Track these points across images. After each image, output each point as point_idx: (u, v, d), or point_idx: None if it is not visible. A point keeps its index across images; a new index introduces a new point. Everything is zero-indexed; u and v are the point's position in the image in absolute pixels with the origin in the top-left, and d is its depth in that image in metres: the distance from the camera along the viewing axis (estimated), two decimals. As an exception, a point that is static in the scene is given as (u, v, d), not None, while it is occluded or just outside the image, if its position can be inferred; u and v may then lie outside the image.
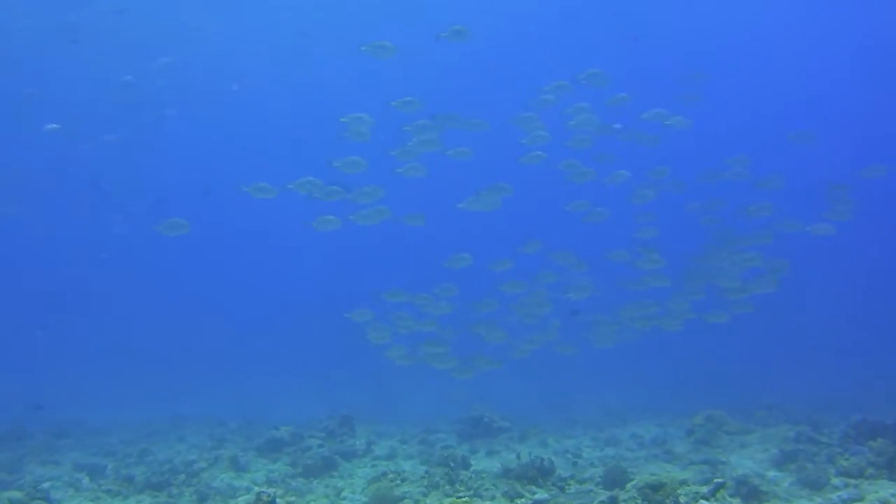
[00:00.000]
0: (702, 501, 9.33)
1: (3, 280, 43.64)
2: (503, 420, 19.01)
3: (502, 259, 14.91)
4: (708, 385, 26.52)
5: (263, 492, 9.86)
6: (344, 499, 12.62)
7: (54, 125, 29.83)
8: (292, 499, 12.93)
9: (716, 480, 9.83)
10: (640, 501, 9.80)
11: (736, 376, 28.50)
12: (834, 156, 29.89)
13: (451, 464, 13.64)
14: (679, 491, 9.50)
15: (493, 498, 11.73)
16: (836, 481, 11.87)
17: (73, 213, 41.91)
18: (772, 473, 13.64)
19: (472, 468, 14.38)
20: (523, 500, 10.73)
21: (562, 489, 12.37)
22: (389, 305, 14.92)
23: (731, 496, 11.42)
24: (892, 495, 10.64)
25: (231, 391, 29.40)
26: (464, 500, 8.57)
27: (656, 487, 9.80)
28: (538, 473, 12.56)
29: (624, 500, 9.95)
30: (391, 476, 13.39)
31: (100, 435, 20.98)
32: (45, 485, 14.43)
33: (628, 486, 10.48)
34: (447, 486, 12.73)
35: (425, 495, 12.22)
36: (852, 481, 11.82)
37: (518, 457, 13.32)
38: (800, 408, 20.71)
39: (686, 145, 19.79)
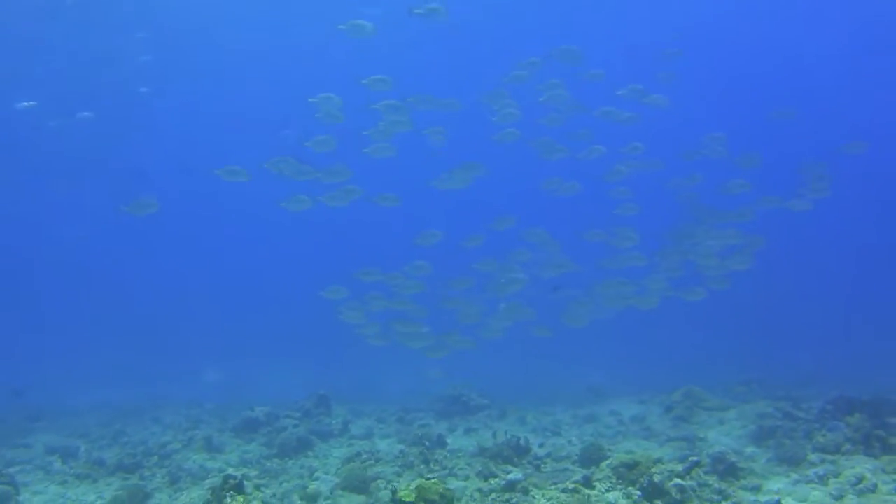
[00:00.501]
0: (676, 480, 9.12)
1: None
2: (482, 398, 18.85)
3: (475, 235, 14.57)
4: (690, 362, 26.50)
5: (230, 475, 9.57)
6: (317, 479, 12.39)
7: (29, 102, 29.34)
8: (265, 481, 12.73)
9: (691, 459, 9.64)
10: (614, 480, 9.61)
11: (718, 353, 28.43)
12: (813, 134, 29.64)
13: (426, 443, 13.44)
14: (653, 470, 9.29)
15: (466, 478, 11.55)
16: (812, 457, 11.73)
17: (50, 191, 41.20)
18: (749, 450, 13.53)
19: (449, 447, 14.23)
20: (497, 479, 10.49)
21: (537, 468, 12.19)
22: (364, 285, 14.57)
23: (707, 473, 11.24)
24: (868, 471, 10.51)
25: (212, 374, 29.13)
26: (433, 480, 8.33)
27: (631, 466, 9.62)
28: (514, 452, 12.36)
29: (598, 479, 9.76)
30: (365, 456, 13.20)
31: (76, 417, 20.65)
32: (13, 469, 14.21)
33: (603, 464, 10.28)
34: (422, 466, 12.55)
35: (399, 475, 12.03)
36: (829, 457, 11.69)
37: (494, 436, 13.12)
38: (779, 384, 20.52)
39: (665, 124, 19.35)
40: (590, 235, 15.08)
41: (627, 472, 9.54)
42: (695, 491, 9.20)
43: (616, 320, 16.86)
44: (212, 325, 38.75)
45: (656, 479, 9.12)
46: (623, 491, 9.30)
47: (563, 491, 9.79)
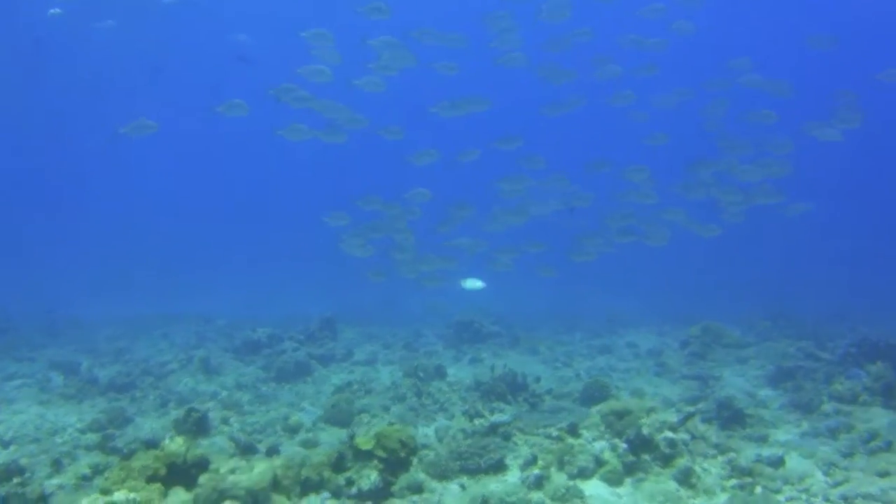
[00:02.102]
0: (666, 432, 8.32)
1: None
2: (494, 325, 18.16)
3: (470, 149, 13.61)
4: (718, 294, 25.61)
5: (193, 408, 9.02)
6: (302, 410, 11.82)
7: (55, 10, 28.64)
8: (254, 406, 12.23)
9: (686, 409, 8.84)
10: (602, 429, 8.83)
11: (747, 286, 27.41)
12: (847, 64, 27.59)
13: (421, 374, 12.78)
14: (643, 420, 8.48)
15: (452, 416, 10.88)
16: (827, 407, 10.84)
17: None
18: (764, 392, 12.71)
19: (449, 378, 13.57)
20: (482, 419, 9.79)
21: (534, 406, 11.48)
22: (365, 213, 13.80)
23: (711, 420, 10.47)
24: (884, 426, 9.60)
25: (236, 291, 29.04)
26: (395, 426, 7.63)
27: (621, 414, 8.82)
28: (509, 388, 11.63)
29: (586, 427, 9.00)
30: (356, 387, 12.58)
31: (89, 330, 20.46)
32: (13, 383, 14.00)
33: (594, 409, 9.51)
34: (413, 399, 11.93)
35: (386, 409, 11.41)
36: (845, 407, 10.78)
37: (492, 369, 12.40)
38: (807, 319, 19.52)
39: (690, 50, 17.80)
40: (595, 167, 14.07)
41: (617, 421, 8.75)
42: (686, 445, 8.39)
43: (649, 250, 15.89)
44: (231, 244, 38.62)
45: (645, 430, 8.33)
46: (610, 442, 8.52)
47: (548, 437, 9.07)
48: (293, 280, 30.73)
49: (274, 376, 14.12)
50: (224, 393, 13.30)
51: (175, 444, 6.59)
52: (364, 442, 7.35)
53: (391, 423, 8.37)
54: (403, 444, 7.40)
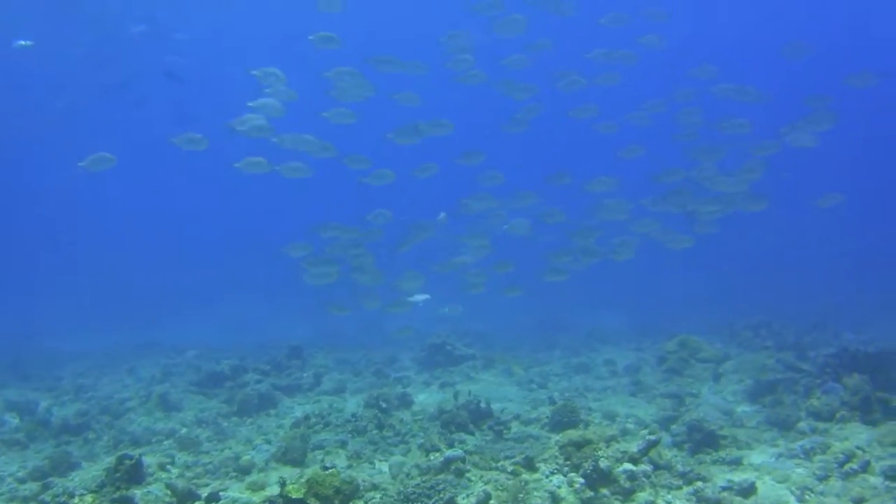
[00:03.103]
0: (626, 465, 7.73)
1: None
2: (467, 347, 17.58)
3: (428, 164, 13.06)
4: (700, 304, 25.12)
5: (126, 454, 8.40)
6: (255, 448, 11.19)
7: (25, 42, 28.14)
8: (212, 444, 11.61)
9: (648, 437, 8.22)
10: (561, 461, 8.23)
11: (729, 295, 26.91)
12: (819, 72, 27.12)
13: (383, 404, 12.16)
14: (600, 453, 7.89)
15: (408, 451, 10.25)
16: (803, 425, 10.25)
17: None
18: (742, 409, 12.14)
19: (414, 406, 12.96)
20: (437, 454, 9.20)
21: (499, 434, 10.86)
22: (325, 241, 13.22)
23: (680, 444, 9.91)
24: (862, 444, 9.01)
25: (216, 318, 28.52)
26: (330, 471, 7.03)
27: (580, 444, 8.23)
28: (470, 418, 11.02)
29: (544, 460, 8.40)
30: (313, 420, 11.94)
31: (57, 364, 19.83)
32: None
33: (552, 440, 8.92)
34: (374, 432, 11.29)
35: (343, 444, 10.78)
36: (821, 425, 10.19)
37: (455, 397, 11.81)
38: (789, 327, 18.99)
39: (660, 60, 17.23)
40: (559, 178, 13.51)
41: (575, 452, 8.16)
42: (649, 477, 7.80)
43: (631, 262, 15.42)
44: (211, 270, 38.08)
45: (602, 464, 7.73)
46: (567, 476, 7.93)
47: (504, 472, 8.47)
48: (272, 305, 30.15)
49: (236, 410, 13.50)
50: (183, 430, 12.66)
51: (82, 504, 5.98)
52: (295, 490, 6.76)
53: (326, 469, 7.71)
54: (338, 491, 6.82)
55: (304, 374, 15.58)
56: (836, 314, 21.36)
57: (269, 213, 44.91)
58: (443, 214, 13.87)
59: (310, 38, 12.35)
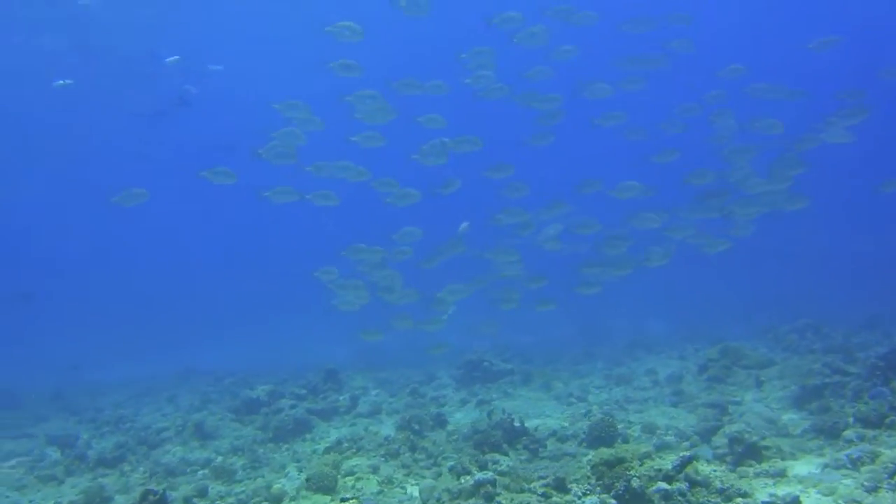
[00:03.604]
0: (660, 483, 7.38)
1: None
2: (505, 363, 17.33)
3: (452, 179, 12.87)
4: (745, 308, 24.49)
5: (151, 490, 8.28)
6: (286, 476, 11.02)
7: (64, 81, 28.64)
8: (246, 473, 11.48)
9: (683, 454, 7.84)
10: (593, 481, 7.91)
11: (775, 297, 26.19)
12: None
13: (416, 426, 11.93)
14: (632, 472, 7.55)
15: (439, 475, 9.99)
16: (849, 433, 9.73)
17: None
18: (787, 416, 11.68)
19: (449, 426, 12.71)
20: (468, 477, 8.93)
21: (534, 452, 10.58)
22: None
23: (722, 457, 9.51)
24: (911, 453, 8.52)
25: (257, 339, 28.57)
26: (350, 502, 6.81)
27: (612, 463, 7.89)
28: (504, 437, 10.73)
29: (576, 480, 8.09)
30: (346, 445, 11.75)
31: (97, 396, 19.95)
32: (9, 463, 13.43)
33: (584, 459, 8.60)
34: (407, 454, 11.07)
35: (375, 470, 10.54)
36: (869, 432, 9.67)
37: (489, 416, 11.53)
38: (837, 328, 18.36)
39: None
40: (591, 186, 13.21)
41: (608, 471, 7.83)
42: (684, 495, 7.43)
43: (674, 266, 15.11)
44: (252, 293, 38.22)
45: (635, 483, 7.39)
46: (599, 497, 7.61)
47: (535, 493, 8.16)
48: (312, 326, 30.10)
49: (271, 436, 13.38)
50: (219, 459, 12.56)
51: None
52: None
53: (344, 501, 7.48)
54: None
55: (341, 398, 15.48)
56: (887, 313, 20.67)
57: (297, 230, 44.91)
58: (465, 224, 13.64)
59: (330, 65, 12.39)
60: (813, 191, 13.07)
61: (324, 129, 12.60)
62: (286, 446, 12.97)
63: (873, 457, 8.63)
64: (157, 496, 8.22)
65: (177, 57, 31.72)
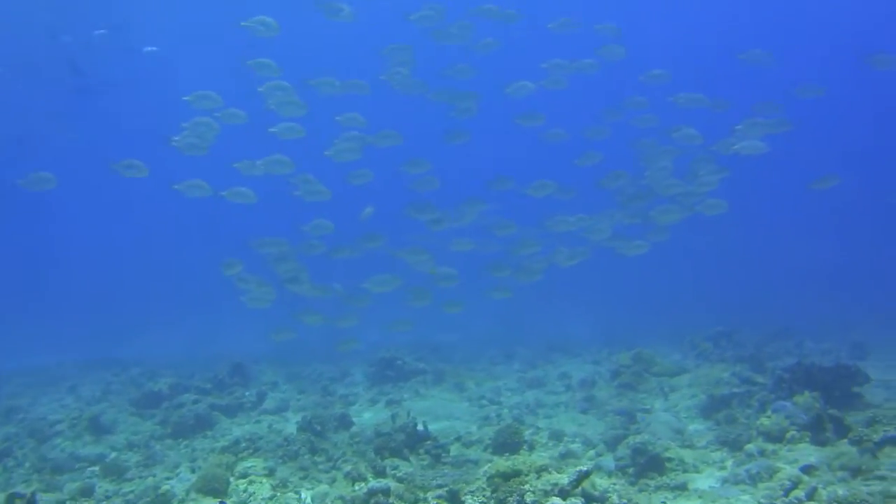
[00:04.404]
0: (554, 498, 7.11)
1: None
2: (418, 361, 16.98)
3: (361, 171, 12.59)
4: (664, 314, 24.66)
5: (17, 493, 7.72)
6: (178, 476, 10.51)
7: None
8: (138, 471, 10.92)
9: (579, 468, 7.58)
10: (488, 493, 7.60)
11: (695, 303, 26.49)
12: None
13: (318, 427, 11.51)
14: (527, 486, 7.27)
15: (333, 481, 9.61)
16: (751, 447, 9.63)
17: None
18: (693, 426, 11.61)
19: (354, 427, 12.33)
20: (362, 485, 8.57)
21: (437, 458, 10.25)
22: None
23: (624, 469, 9.34)
24: (805, 469, 8.43)
25: (186, 331, 27.79)
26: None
27: (508, 476, 7.61)
28: (406, 441, 10.39)
29: (470, 492, 7.77)
30: (243, 444, 11.28)
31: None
32: None
33: (479, 471, 8.30)
34: (306, 457, 10.64)
35: (270, 472, 10.11)
36: (770, 446, 9.60)
37: (393, 418, 11.18)
38: (751, 337, 18.52)
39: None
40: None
41: (503, 484, 7.54)
42: (578, 511, 7.18)
43: (599, 269, 14.86)
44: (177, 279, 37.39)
45: (528, 498, 7.13)
46: (493, 510, 7.32)
47: (428, 505, 7.84)
48: (235, 316, 29.34)
49: (170, 432, 12.84)
50: (112, 455, 11.96)
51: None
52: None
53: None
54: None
55: (247, 393, 14.99)
56: (802, 322, 20.97)
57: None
58: (369, 208, 13.24)
59: (247, 62, 12.15)
60: (740, 195, 13.06)
61: (246, 121, 12.16)
62: (185, 443, 12.46)
63: (772, 472, 8.55)
64: (24, 499, 7.65)
65: (104, 31, 30.80)
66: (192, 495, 9.52)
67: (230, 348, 21.64)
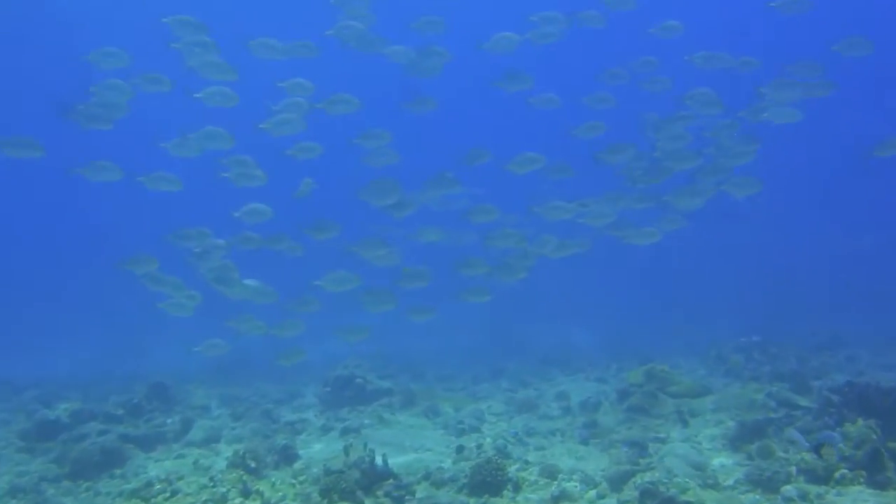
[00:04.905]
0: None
1: None
2: (383, 380, 16.72)
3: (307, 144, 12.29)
4: (687, 322, 24.49)
5: None
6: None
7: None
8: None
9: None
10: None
11: (731, 304, 26.36)
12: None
13: (252, 463, 11.13)
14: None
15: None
16: (790, 488, 9.31)
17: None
18: (719, 460, 11.35)
19: (297, 463, 12.00)
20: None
21: (399, 501, 9.88)
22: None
23: (632, 515, 9.00)
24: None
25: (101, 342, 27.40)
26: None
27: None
28: (361, 481, 10.00)
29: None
30: (159, 486, 10.85)
31: None
32: None
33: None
34: (237, 501, 10.25)
35: (188, 524, 9.72)
36: (813, 489, 9.27)
37: (346, 451, 10.80)
38: (793, 347, 18.28)
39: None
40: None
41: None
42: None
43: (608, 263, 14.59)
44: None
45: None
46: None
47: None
48: (166, 323, 28.96)
49: (69, 472, 12.40)
50: (-5, 500, 11.53)
51: None
52: None
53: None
54: None
55: (169, 420, 14.71)
56: (854, 331, 20.81)
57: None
58: (307, 180, 12.85)
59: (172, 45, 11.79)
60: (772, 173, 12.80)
61: (171, 88, 11.90)
62: (86, 485, 12.05)
63: (817, 524, 8.21)
64: None
65: None
66: (90, 554, 9.12)
67: (156, 365, 21.19)
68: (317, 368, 18.85)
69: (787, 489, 9.29)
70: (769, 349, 17.68)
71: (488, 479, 10.30)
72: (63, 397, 16.99)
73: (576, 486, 10.60)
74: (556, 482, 10.84)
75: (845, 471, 9.40)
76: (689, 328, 23.08)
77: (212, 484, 10.71)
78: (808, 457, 9.81)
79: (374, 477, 10.18)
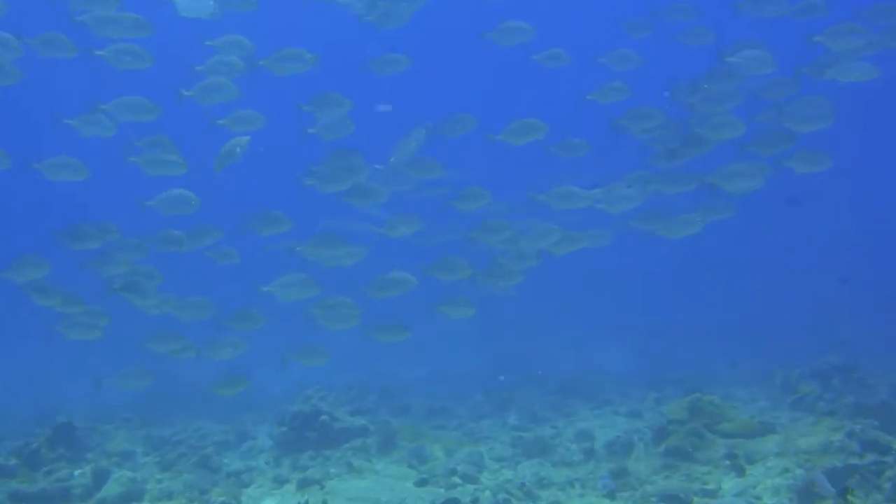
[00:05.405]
0: None
1: None
2: (355, 416, 16.36)
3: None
4: (750, 337, 24.15)
5: None
6: None
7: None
8: None
9: None
10: None
11: (798, 317, 26.03)
12: None
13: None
14: None
15: None
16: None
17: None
18: (785, 529, 10.89)
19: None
20: None
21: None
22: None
23: None
24: None
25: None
26: None
27: None
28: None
29: None
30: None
31: None
32: None
33: None
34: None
35: None
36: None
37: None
38: (884, 371, 18.12)
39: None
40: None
41: None
42: None
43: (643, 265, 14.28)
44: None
45: None
46: None
47: None
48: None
49: (-65, 549, 11.91)
50: None
51: None
52: None
53: None
54: None
55: (77, 472, 14.26)
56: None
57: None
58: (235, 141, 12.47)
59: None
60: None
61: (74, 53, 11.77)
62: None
63: None
64: None
65: None
66: None
67: (64, 401, 20.79)
68: (275, 402, 18.69)
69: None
70: (853, 374, 17.33)
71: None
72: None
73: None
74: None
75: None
76: (747, 347, 22.67)
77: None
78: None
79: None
